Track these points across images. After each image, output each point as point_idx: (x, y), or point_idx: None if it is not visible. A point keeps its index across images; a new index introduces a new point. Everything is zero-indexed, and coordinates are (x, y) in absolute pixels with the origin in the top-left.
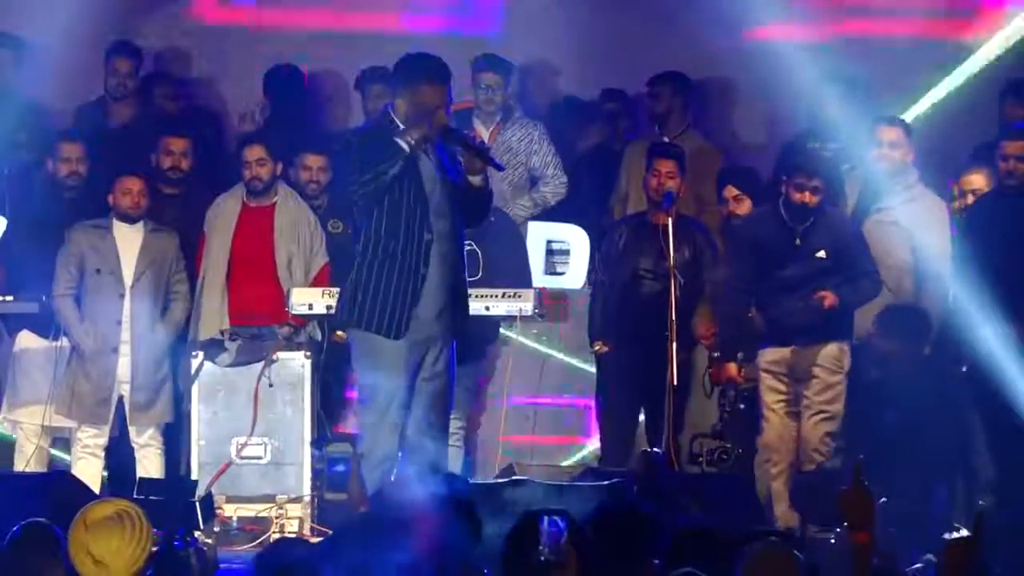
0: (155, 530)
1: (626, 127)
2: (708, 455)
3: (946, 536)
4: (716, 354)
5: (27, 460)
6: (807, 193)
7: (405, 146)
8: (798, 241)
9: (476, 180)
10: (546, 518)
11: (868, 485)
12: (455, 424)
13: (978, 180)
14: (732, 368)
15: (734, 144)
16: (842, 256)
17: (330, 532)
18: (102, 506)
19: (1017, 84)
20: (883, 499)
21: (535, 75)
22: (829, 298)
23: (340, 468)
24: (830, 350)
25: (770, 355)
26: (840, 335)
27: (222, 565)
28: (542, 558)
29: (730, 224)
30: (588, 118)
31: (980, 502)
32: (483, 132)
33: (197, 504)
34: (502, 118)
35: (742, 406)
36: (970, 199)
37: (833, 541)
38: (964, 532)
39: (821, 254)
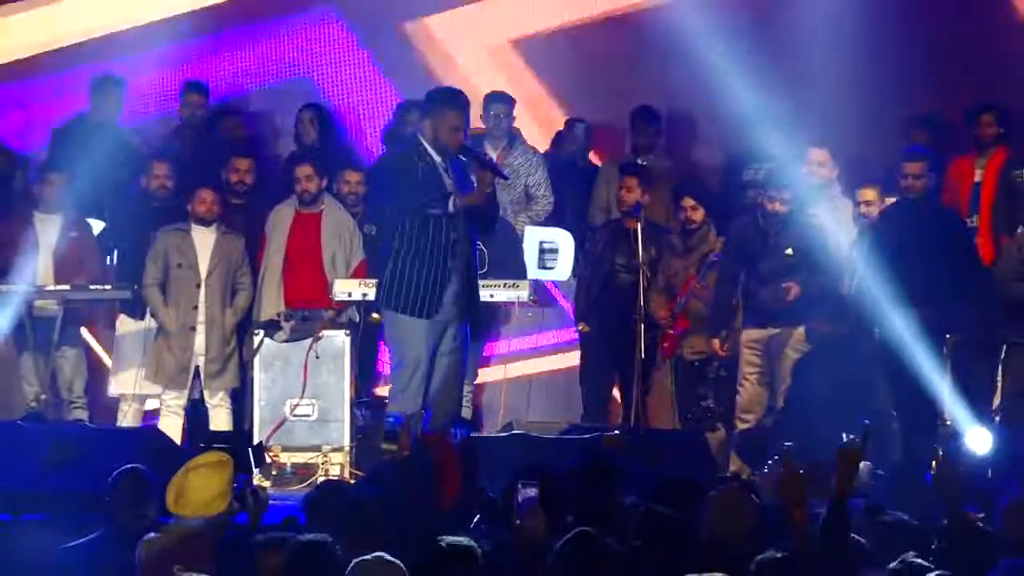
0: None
1: (591, 148)
2: (696, 413)
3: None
4: (669, 331)
5: (125, 417)
6: (777, 203)
7: (452, 207)
8: (770, 242)
9: (486, 191)
10: (520, 488)
11: (799, 469)
12: (465, 389)
13: (870, 194)
14: (716, 343)
15: (692, 162)
16: (806, 255)
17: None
18: (207, 456)
19: (919, 117)
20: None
21: (528, 106)
22: (793, 290)
23: (391, 420)
24: (800, 333)
25: (751, 335)
26: (806, 320)
27: (278, 502)
28: (516, 522)
29: (688, 229)
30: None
31: (866, 421)
32: (492, 153)
33: (251, 451)
34: (508, 143)
35: (724, 373)
36: (862, 208)
37: (759, 478)
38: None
39: (788, 252)
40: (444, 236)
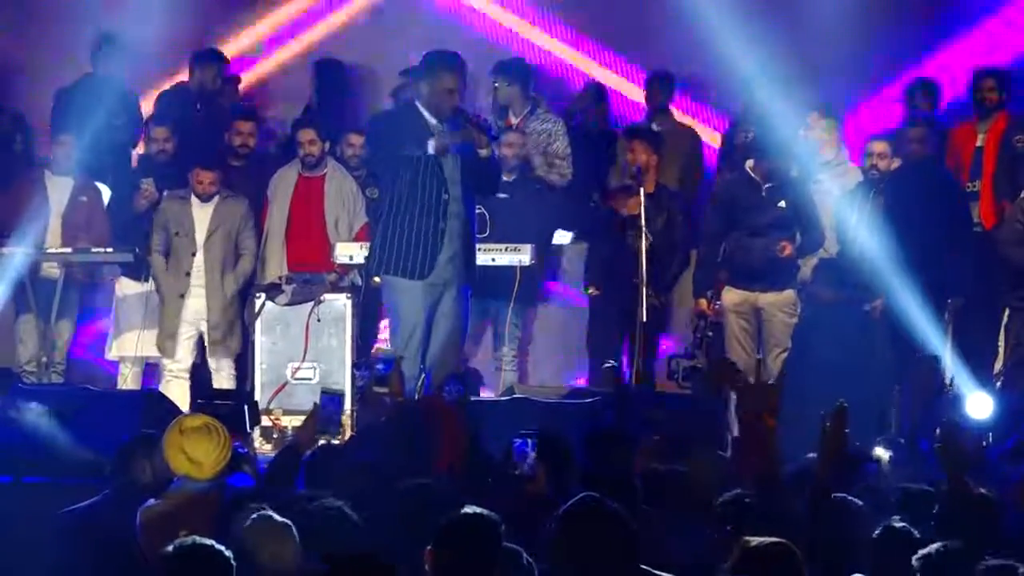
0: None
1: (604, 112)
2: (682, 372)
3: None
4: None
5: (125, 381)
6: (769, 164)
7: (432, 148)
8: (764, 195)
9: (483, 152)
10: (516, 441)
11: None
12: (510, 354)
13: (881, 146)
14: (703, 303)
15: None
16: (797, 210)
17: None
18: (194, 418)
19: (921, 82)
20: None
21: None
22: (788, 249)
23: (381, 367)
24: (788, 296)
25: (735, 297)
26: (793, 283)
27: None
28: (516, 472)
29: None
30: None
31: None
32: (513, 119)
33: (246, 410)
34: (530, 109)
35: (710, 334)
36: (874, 160)
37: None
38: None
39: (782, 204)
40: (435, 197)
